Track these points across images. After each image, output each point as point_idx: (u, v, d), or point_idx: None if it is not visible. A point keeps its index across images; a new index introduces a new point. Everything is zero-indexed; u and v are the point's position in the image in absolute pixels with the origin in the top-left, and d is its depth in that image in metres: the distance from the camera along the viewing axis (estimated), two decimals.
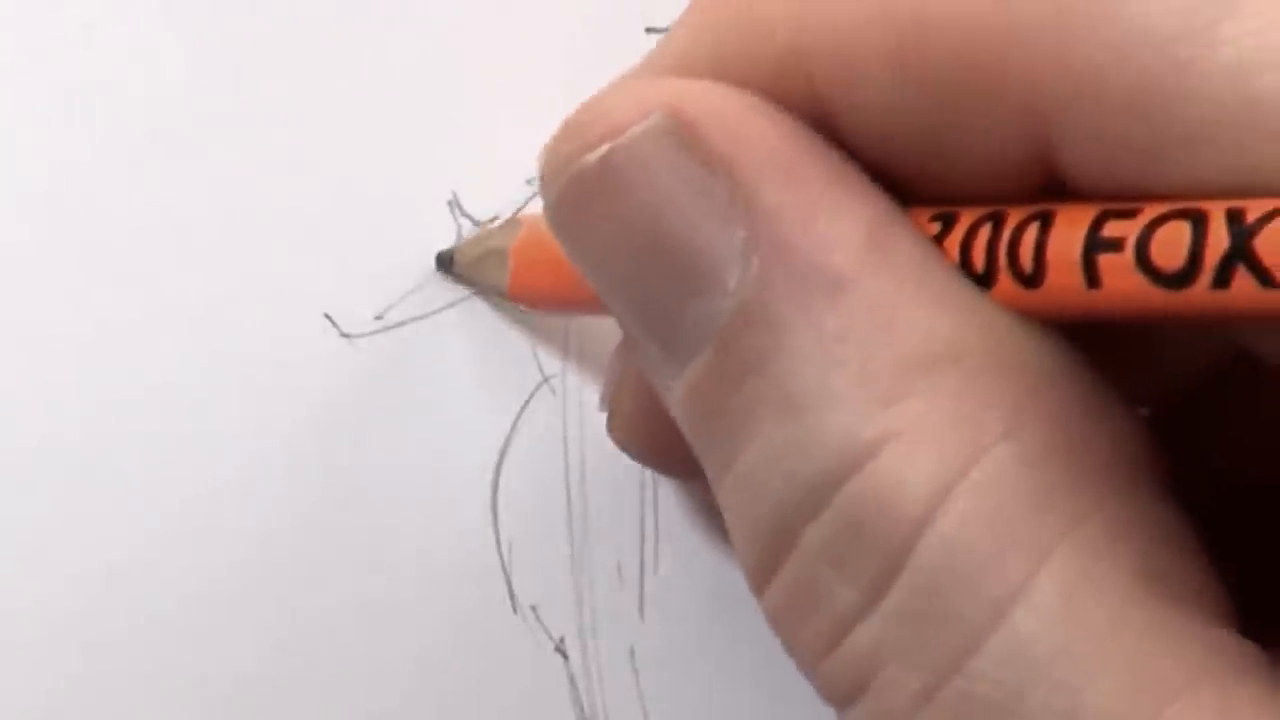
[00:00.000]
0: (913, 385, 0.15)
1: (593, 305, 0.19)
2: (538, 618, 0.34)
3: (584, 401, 0.33)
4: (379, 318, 0.34)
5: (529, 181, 0.34)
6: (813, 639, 0.17)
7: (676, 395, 0.17)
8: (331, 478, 0.34)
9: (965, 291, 0.16)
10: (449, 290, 0.34)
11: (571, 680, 0.34)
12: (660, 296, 0.17)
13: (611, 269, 0.17)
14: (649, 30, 0.34)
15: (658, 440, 0.22)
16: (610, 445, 0.33)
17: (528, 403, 0.33)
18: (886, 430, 0.15)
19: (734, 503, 0.17)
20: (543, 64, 0.35)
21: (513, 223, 0.23)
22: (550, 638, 0.34)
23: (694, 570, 0.34)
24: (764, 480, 0.16)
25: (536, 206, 0.34)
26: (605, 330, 0.33)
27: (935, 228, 0.16)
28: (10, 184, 0.32)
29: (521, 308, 0.22)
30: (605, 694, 0.34)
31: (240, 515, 0.34)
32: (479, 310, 0.33)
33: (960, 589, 0.15)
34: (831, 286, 0.15)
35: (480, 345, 0.34)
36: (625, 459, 0.34)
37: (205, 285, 0.34)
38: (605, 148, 0.17)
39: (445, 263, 0.23)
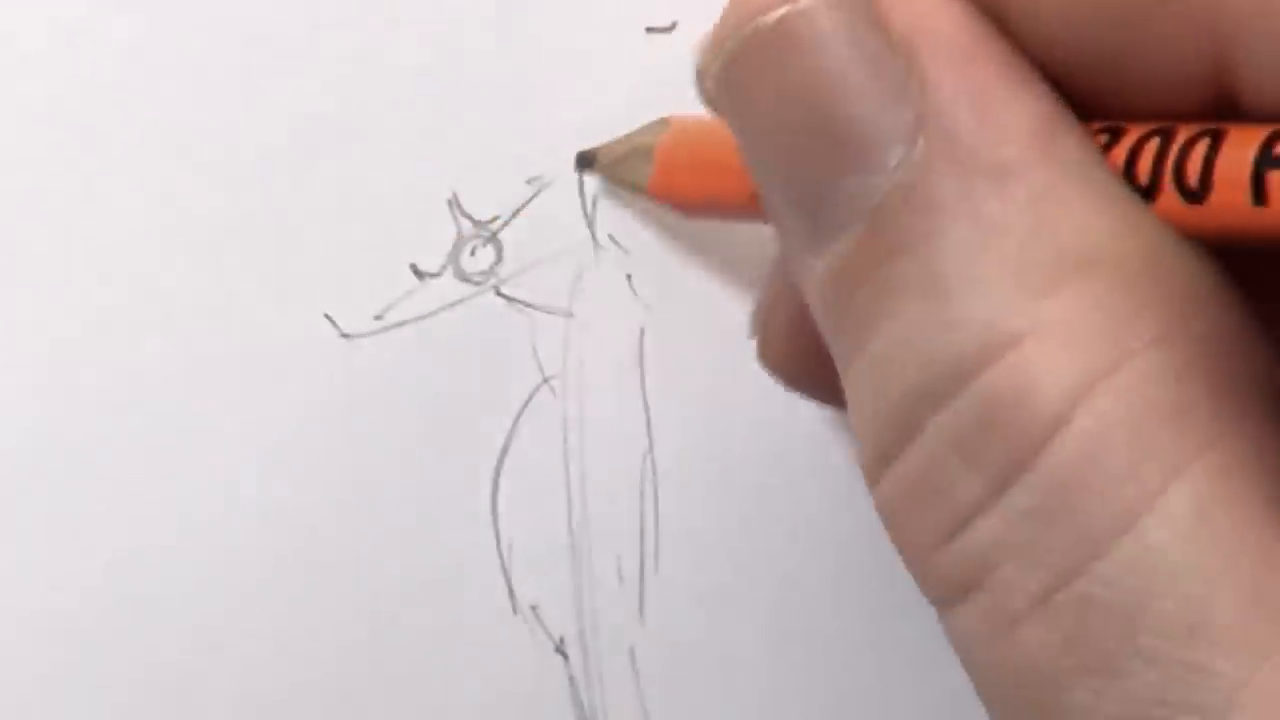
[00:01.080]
0: (1065, 281, 0.15)
1: (734, 205, 0.19)
2: (538, 618, 0.34)
3: (584, 401, 0.33)
4: (379, 318, 0.33)
5: (529, 181, 0.34)
6: (928, 530, 0.16)
7: (818, 275, 0.17)
8: (331, 478, 0.34)
9: (1127, 198, 0.16)
10: (449, 291, 0.34)
11: (571, 680, 0.34)
12: (818, 169, 0.16)
13: (773, 137, 0.17)
14: (649, 30, 0.34)
15: (808, 364, 0.21)
16: (609, 446, 0.34)
17: (528, 403, 0.33)
18: (1034, 323, 0.15)
19: (862, 385, 0.17)
20: (543, 65, 0.35)
21: (660, 122, 0.23)
22: (550, 638, 0.34)
23: (694, 570, 0.34)
24: (898, 361, 0.16)
25: (535, 207, 0.34)
26: (605, 330, 0.33)
27: (1103, 139, 0.16)
28: (9, 181, 0.32)
29: (662, 205, 0.22)
30: (605, 694, 0.34)
31: (239, 515, 0.34)
32: (479, 310, 0.33)
33: (1091, 491, 0.14)
34: (996, 174, 0.15)
35: (480, 345, 0.34)
36: (624, 458, 0.34)
37: (206, 285, 0.34)
38: (783, 9, 0.16)
39: (587, 161, 0.22)
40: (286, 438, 0.34)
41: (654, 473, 0.34)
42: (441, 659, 0.34)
